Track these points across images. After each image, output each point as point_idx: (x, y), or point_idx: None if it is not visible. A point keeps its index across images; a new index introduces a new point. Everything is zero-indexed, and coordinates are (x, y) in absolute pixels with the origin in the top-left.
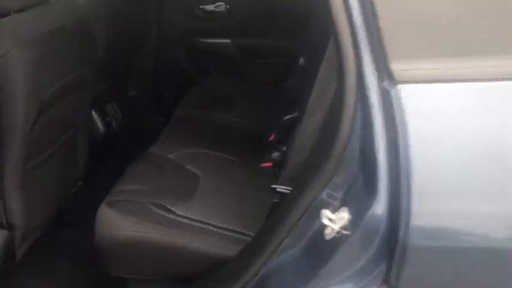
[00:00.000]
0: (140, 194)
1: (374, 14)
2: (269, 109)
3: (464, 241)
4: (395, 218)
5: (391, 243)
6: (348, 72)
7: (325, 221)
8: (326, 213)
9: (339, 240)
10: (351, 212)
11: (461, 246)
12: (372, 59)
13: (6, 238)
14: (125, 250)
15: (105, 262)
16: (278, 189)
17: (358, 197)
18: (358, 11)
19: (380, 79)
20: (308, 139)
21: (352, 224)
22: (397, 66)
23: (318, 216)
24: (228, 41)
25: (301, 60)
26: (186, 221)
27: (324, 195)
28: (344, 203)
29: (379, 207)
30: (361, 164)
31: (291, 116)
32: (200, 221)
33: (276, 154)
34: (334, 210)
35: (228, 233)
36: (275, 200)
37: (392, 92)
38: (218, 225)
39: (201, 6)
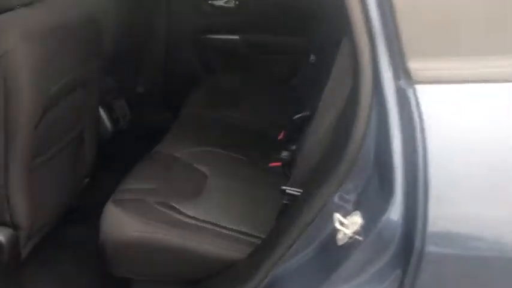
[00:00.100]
0: (147, 193)
1: (391, 10)
2: (278, 107)
3: (483, 249)
4: (411, 224)
5: (406, 250)
6: (364, 71)
7: (337, 225)
8: (338, 217)
9: (351, 245)
10: (364, 217)
11: (480, 255)
12: (388, 58)
13: (11, 237)
14: (130, 251)
15: (109, 262)
16: (288, 191)
17: (372, 200)
18: (375, 6)
19: (396, 78)
20: (320, 139)
21: (365, 229)
22: (415, 65)
23: (329, 219)
24: (237, 37)
25: (312, 57)
26: (194, 221)
27: (335, 198)
28: (357, 206)
29: (395, 212)
30: (376, 166)
31: (301, 114)
32: (209, 222)
33: (285, 153)
34: (346, 214)
35: (237, 235)
36: (285, 202)
37: (409, 92)
38: (227, 226)
39: (209, 2)
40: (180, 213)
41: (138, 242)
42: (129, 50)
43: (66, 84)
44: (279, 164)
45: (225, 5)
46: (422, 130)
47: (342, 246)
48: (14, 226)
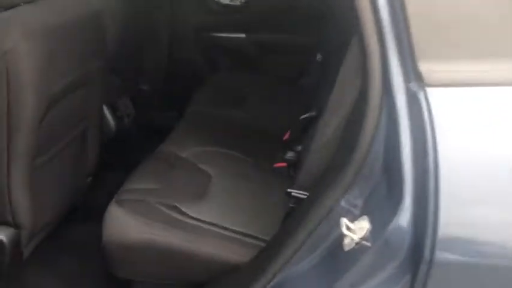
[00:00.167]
0: (150, 194)
1: (403, 9)
2: (284, 107)
3: (495, 256)
4: (420, 230)
5: (416, 256)
6: (373, 73)
7: (344, 230)
8: (345, 221)
9: (358, 251)
10: (372, 222)
11: (492, 263)
12: (398, 59)
13: (13, 236)
14: (132, 253)
15: (111, 264)
16: (294, 194)
17: (380, 205)
18: (385, 6)
19: (407, 81)
20: (327, 142)
21: (373, 235)
22: (427, 67)
23: (336, 224)
24: (243, 35)
25: (319, 56)
26: (198, 223)
27: (342, 202)
28: (364, 211)
29: (404, 217)
30: (384, 170)
31: (307, 115)
32: (213, 224)
33: (290, 154)
34: (354, 219)
35: (242, 237)
36: (291, 205)
37: (420, 96)
38: (231, 228)
39: (215, 0)
40: (184, 214)
41: (140, 244)
42: (132, 48)
43: (69, 83)
44: (284, 164)
45: (231, 3)
46: (434, 135)
47: (348, 251)
48: (16, 225)
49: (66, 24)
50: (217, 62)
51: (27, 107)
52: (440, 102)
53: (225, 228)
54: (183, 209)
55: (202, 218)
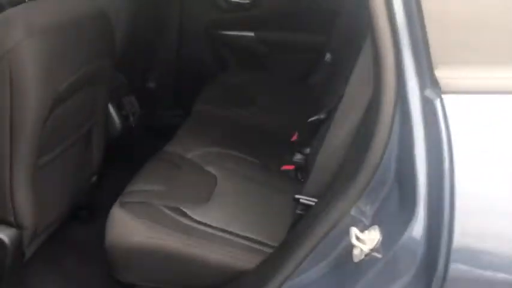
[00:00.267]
0: (155, 196)
1: (419, 12)
2: (292, 107)
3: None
4: (434, 241)
5: (429, 270)
6: (386, 78)
7: (354, 241)
8: (354, 231)
9: (368, 263)
10: (383, 232)
11: (509, 277)
12: (414, 65)
13: (15, 237)
14: (136, 256)
15: (114, 267)
16: (302, 200)
17: (392, 215)
18: (401, 10)
19: (423, 87)
20: (337, 148)
21: (384, 246)
22: (443, 74)
23: (345, 234)
24: (252, 34)
25: (328, 56)
26: (203, 227)
27: (352, 211)
28: (375, 221)
29: (417, 228)
30: (397, 178)
31: (315, 117)
32: (218, 228)
33: (298, 157)
34: (364, 228)
35: (248, 243)
36: (298, 211)
37: (436, 103)
38: (237, 233)
39: None
40: (188, 218)
41: (144, 248)
42: (140, 46)
43: (74, 82)
44: (292, 167)
45: (241, 1)
46: (450, 144)
47: (358, 263)
48: (18, 226)
49: (72, 22)
50: (226, 61)
51: (30, 107)
52: (458, 110)
53: (231, 233)
54: (189, 213)
55: (207, 222)
